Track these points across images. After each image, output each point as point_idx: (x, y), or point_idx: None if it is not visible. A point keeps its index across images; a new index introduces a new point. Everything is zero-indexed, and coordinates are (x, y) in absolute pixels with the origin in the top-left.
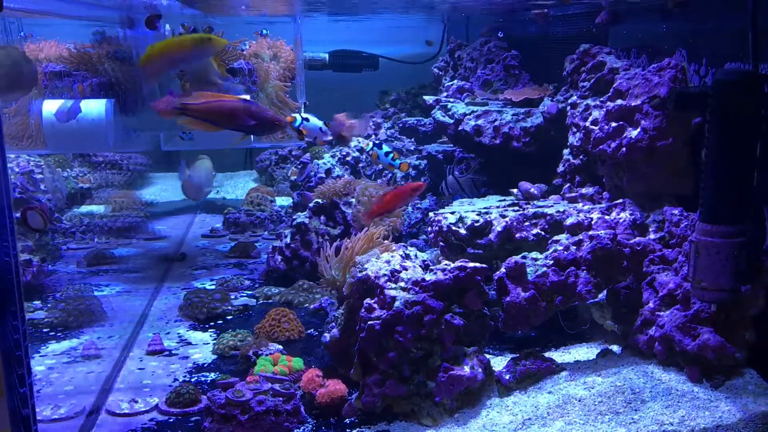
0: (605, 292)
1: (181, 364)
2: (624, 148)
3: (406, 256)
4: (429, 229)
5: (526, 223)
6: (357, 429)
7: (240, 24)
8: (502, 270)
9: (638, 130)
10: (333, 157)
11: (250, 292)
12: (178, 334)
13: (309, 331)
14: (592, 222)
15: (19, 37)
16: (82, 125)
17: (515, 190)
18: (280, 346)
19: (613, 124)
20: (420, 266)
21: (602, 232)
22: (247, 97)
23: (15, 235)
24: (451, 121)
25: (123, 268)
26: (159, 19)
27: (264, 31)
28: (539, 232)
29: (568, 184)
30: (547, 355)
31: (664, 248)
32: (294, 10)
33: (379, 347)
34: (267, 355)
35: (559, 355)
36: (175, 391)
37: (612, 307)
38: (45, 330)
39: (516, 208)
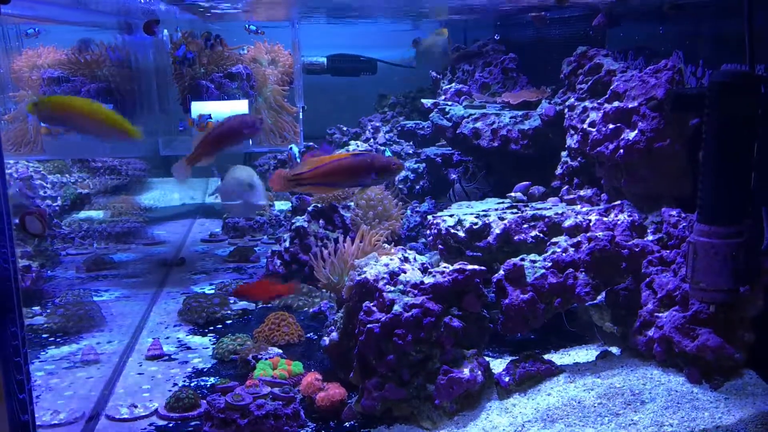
0: (604, 293)
1: (180, 368)
2: (621, 150)
3: (405, 259)
4: (428, 232)
5: (525, 226)
6: None
7: (238, 29)
8: (501, 272)
9: (636, 131)
10: None
11: None
12: (178, 338)
13: (308, 335)
14: (591, 224)
15: (20, 38)
16: None
17: (513, 194)
18: (280, 350)
19: (611, 126)
20: (419, 269)
21: (600, 233)
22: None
23: (14, 241)
24: (449, 124)
25: (122, 273)
26: (157, 24)
27: (252, 27)
28: (538, 234)
29: (567, 186)
30: (546, 357)
31: (663, 249)
32: (291, 15)
33: (379, 350)
34: (266, 359)
35: (558, 357)
36: (175, 395)
37: (611, 308)
38: (44, 335)
39: (514, 210)
